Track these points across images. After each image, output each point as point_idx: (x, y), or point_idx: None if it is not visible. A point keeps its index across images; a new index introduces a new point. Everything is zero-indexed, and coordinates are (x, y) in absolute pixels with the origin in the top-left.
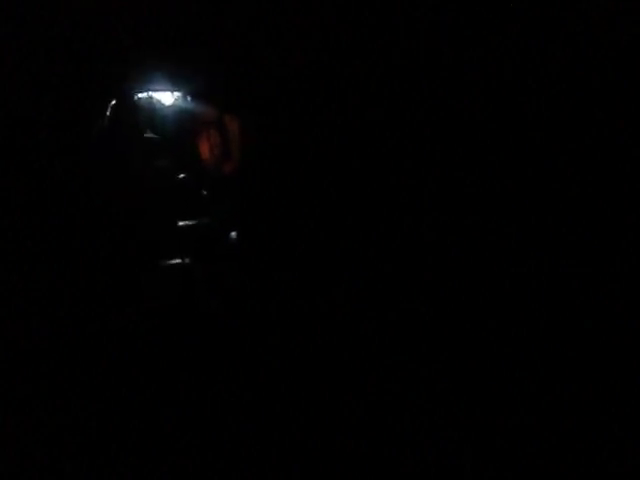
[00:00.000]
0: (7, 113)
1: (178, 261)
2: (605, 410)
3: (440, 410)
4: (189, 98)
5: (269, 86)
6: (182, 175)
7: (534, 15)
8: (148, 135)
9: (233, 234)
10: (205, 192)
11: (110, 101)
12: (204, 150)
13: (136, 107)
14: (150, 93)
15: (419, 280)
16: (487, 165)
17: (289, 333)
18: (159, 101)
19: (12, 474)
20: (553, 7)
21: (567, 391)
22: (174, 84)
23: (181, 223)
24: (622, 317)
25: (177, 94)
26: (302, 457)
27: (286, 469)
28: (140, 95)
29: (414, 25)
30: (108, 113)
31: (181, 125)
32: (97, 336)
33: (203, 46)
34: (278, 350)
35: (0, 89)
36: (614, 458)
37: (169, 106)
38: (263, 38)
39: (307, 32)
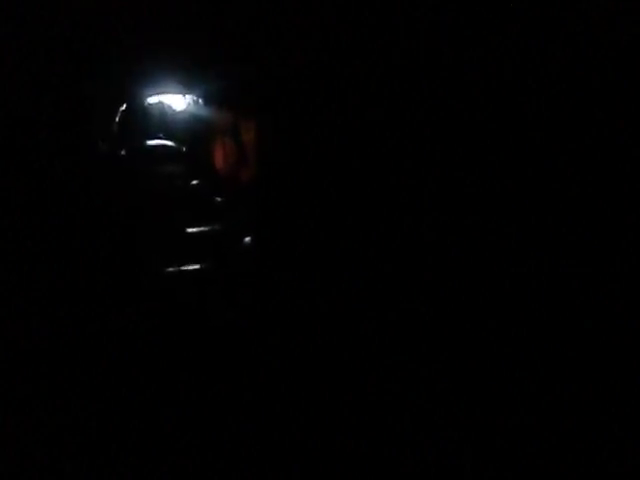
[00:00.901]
0: (7, 113)
1: (190, 268)
2: (605, 410)
3: (440, 410)
4: (201, 102)
5: (279, 90)
6: (195, 182)
7: (534, 15)
8: (160, 141)
9: (247, 241)
10: (219, 199)
11: (120, 106)
12: (217, 156)
13: (147, 112)
14: (161, 98)
15: (419, 280)
16: (487, 165)
17: (298, 337)
18: (170, 106)
19: (12, 474)
20: (553, 7)
21: (567, 391)
22: (186, 88)
23: (193, 230)
24: (622, 317)
25: (189, 98)
26: (302, 457)
27: (286, 469)
28: (151, 100)
29: (414, 25)
30: (118, 118)
31: (193, 130)
32: (97, 336)
33: (206, 48)
34: (284, 353)
35: (0, 89)
36: (614, 458)
37: (181, 111)
38: (263, 38)
39: (307, 32)
